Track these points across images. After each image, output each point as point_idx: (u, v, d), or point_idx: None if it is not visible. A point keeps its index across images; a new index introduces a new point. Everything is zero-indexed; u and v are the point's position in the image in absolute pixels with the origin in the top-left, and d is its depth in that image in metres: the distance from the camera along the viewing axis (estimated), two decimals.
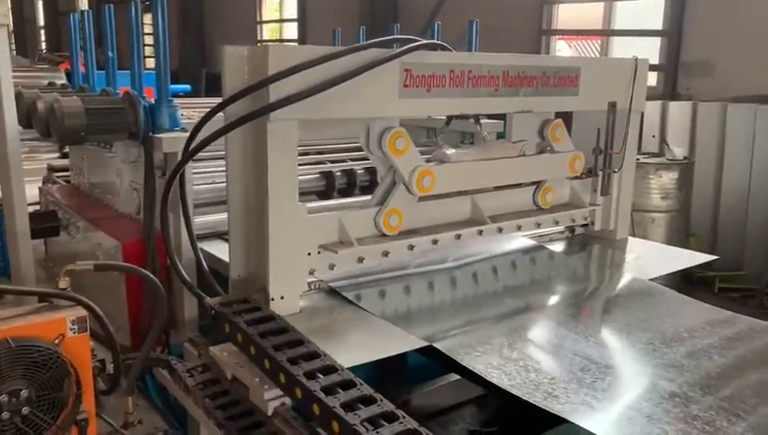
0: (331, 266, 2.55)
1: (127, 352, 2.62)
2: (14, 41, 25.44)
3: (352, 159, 4.02)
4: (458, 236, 2.88)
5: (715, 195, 7.37)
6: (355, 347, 2.27)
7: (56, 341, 1.99)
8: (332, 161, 3.89)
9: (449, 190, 2.86)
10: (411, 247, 2.72)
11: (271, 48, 2.17)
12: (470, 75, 2.66)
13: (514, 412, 2.23)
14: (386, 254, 2.65)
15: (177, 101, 3.06)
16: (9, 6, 2.66)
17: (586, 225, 3.53)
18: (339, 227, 2.59)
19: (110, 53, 3.54)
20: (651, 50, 8.29)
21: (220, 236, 3.20)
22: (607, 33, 8.98)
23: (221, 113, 2.35)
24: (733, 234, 7.05)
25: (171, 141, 2.83)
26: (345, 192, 3.75)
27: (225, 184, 3.44)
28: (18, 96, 3.16)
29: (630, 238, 3.68)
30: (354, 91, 2.31)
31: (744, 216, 7.13)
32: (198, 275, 2.71)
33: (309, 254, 2.48)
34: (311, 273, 2.52)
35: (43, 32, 26.91)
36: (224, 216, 3.27)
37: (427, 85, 2.56)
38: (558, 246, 3.46)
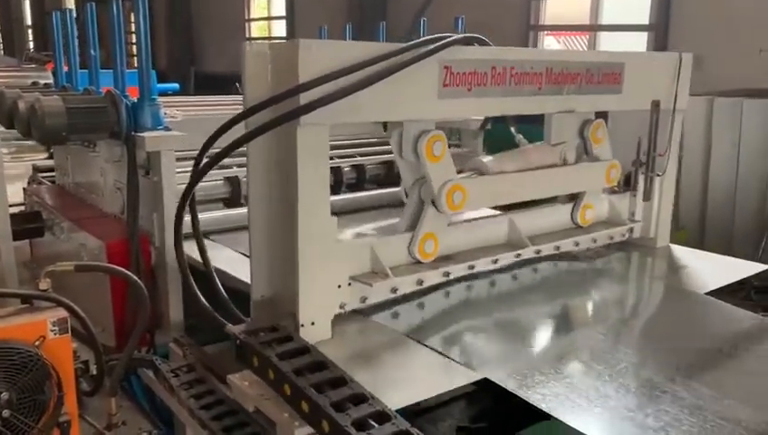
0: (363, 299, 2.37)
1: (111, 352, 2.61)
2: (1, 40, 25.26)
3: (339, 157, 4.01)
4: (495, 262, 2.70)
5: (702, 189, 7.39)
6: (400, 383, 2.04)
7: (37, 343, 1.98)
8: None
9: (481, 206, 2.70)
10: (446, 274, 2.54)
11: (302, 44, 1.97)
12: (512, 72, 2.48)
13: (503, 408, 2.18)
14: (420, 283, 2.47)
15: (165, 99, 3.04)
16: None
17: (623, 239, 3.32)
18: (371, 256, 2.39)
19: (92, 52, 3.51)
20: (638, 44, 8.32)
21: (205, 235, 3.18)
22: (594, 27, 9.01)
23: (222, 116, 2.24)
24: (720, 228, 7.07)
25: (154, 140, 2.81)
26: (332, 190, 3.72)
27: (209, 183, 3.52)
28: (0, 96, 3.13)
29: (671, 245, 3.46)
30: (390, 91, 2.14)
31: (731, 209, 7.16)
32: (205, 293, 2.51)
33: (339, 286, 2.26)
34: (341, 307, 2.30)
35: (30, 31, 26.70)
36: (209, 215, 3.29)
37: (468, 84, 2.38)
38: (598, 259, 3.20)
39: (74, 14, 3.83)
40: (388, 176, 4.32)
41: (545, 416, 1.91)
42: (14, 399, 1.92)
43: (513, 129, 3.09)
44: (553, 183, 2.92)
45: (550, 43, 9.69)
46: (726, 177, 7.17)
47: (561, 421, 1.85)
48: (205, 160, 2.22)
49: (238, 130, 2.17)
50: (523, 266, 2.87)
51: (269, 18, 17.25)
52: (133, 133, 2.85)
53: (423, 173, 2.50)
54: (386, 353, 2.21)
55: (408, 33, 9.51)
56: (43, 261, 3.92)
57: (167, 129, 2.95)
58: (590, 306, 2.80)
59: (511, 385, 1.98)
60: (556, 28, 9.65)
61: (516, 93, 2.53)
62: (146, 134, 2.82)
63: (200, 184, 3.40)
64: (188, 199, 2.28)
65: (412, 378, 2.07)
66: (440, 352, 2.17)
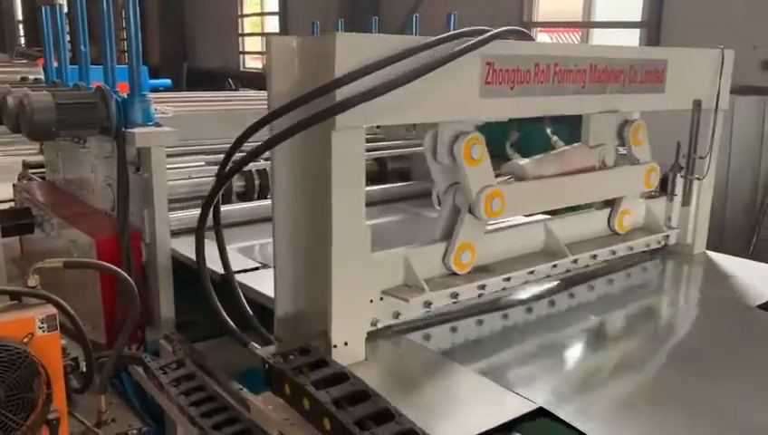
0: (396, 315, 2.21)
1: (102, 349, 2.59)
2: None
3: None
4: (532, 272, 2.56)
5: None
6: (448, 414, 1.85)
7: (25, 340, 1.96)
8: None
9: (520, 213, 2.57)
10: (482, 287, 2.38)
11: (339, 37, 1.81)
12: (556, 69, 2.33)
13: None
14: (455, 296, 2.30)
15: (156, 95, 3.02)
16: None
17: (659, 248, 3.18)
18: (405, 268, 2.23)
19: (82, 48, 3.50)
20: (631, 42, 8.33)
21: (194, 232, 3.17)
22: (587, 24, 9.02)
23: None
24: (712, 224, 7.10)
25: (144, 136, 2.79)
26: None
27: (200, 179, 3.51)
28: None
29: (708, 252, 3.30)
30: (430, 90, 1.98)
31: (722, 205, 7.19)
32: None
33: (371, 301, 2.12)
34: (373, 324, 2.16)
35: (21, 26, 26.54)
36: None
37: (511, 82, 2.21)
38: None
39: (65, 10, 3.81)
40: (381, 173, 4.33)
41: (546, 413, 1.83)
42: (2, 396, 1.90)
43: (549, 129, 2.92)
44: (594, 188, 2.79)
45: (543, 39, 9.72)
46: (718, 173, 7.20)
47: (560, 419, 1.77)
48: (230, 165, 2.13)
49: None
50: (559, 291, 2.74)
51: (262, 14, 17.19)
52: (123, 129, 2.83)
53: (458, 178, 2.35)
54: (427, 378, 2.03)
55: (401, 28, 9.52)
56: (33, 258, 3.89)
57: (157, 125, 2.93)
58: (641, 327, 2.60)
59: (570, 417, 1.80)
60: (549, 25, 9.66)
61: (559, 92, 2.38)
62: (136, 130, 2.80)
63: (190, 180, 3.48)
64: (213, 204, 2.18)
65: (460, 407, 1.90)
66: (486, 376, 2.01)
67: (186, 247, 2.98)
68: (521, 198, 2.49)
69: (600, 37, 8.94)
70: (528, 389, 1.94)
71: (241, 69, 17.14)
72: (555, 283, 2.76)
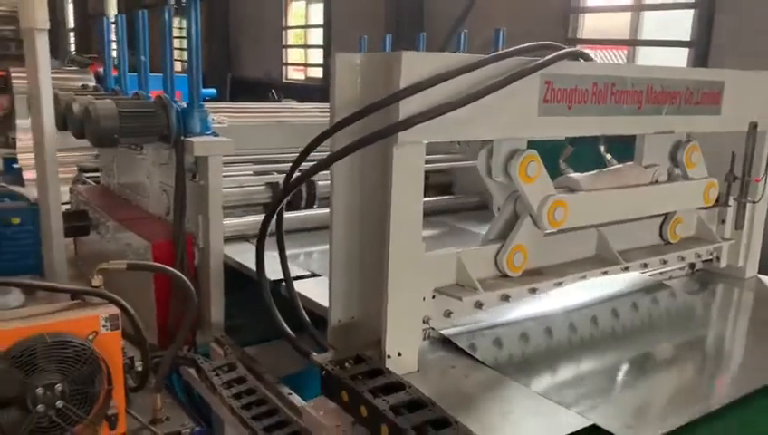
0: (448, 314, 2.22)
1: (154, 350, 2.68)
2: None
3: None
4: (583, 278, 2.56)
5: None
6: (497, 425, 1.89)
7: (90, 337, 2.05)
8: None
9: (582, 223, 2.55)
10: (533, 291, 2.38)
11: (405, 55, 1.86)
12: (613, 90, 2.35)
13: None
14: (506, 298, 2.30)
15: (209, 105, 3.12)
16: (47, 12, 2.73)
17: (710, 260, 3.10)
18: (458, 267, 2.24)
19: (142, 57, 3.62)
20: (678, 61, 8.22)
21: (247, 239, 3.26)
22: (633, 42, 8.94)
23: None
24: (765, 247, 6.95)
25: (203, 145, 2.89)
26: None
27: (249, 187, 3.61)
28: (54, 98, 3.24)
29: (760, 276, 3.24)
30: (490, 107, 1.99)
31: None
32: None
33: (424, 299, 2.14)
34: (425, 321, 2.19)
35: (72, 34, 27.37)
36: (251, 219, 3.36)
37: (569, 100, 2.23)
38: (681, 286, 3.05)
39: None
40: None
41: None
42: (68, 390, 1.99)
43: (602, 147, 2.89)
44: (653, 201, 2.78)
45: None
46: None
47: None
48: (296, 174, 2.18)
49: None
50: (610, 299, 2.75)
51: (306, 27, 17.43)
52: (182, 138, 2.93)
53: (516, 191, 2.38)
54: (478, 391, 2.06)
55: (443, 45, 9.56)
56: (86, 258, 4.04)
57: (214, 134, 3.03)
58: (689, 352, 2.56)
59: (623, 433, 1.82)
60: (594, 42, 9.60)
61: (616, 112, 2.40)
62: (195, 139, 2.90)
63: (242, 188, 3.58)
64: (276, 213, 2.22)
65: (511, 421, 1.92)
66: (537, 392, 2.04)
67: (235, 253, 3.07)
68: (583, 208, 2.48)
69: (646, 55, 8.84)
70: (580, 406, 1.95)
71: (284, 80, 17.39)
72: (602, 300, 2.75)
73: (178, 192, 2.96)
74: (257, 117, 4.34)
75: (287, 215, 3.60)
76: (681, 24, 8.33)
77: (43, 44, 2.69)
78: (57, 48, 24.80)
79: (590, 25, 9.56)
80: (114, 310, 2.13)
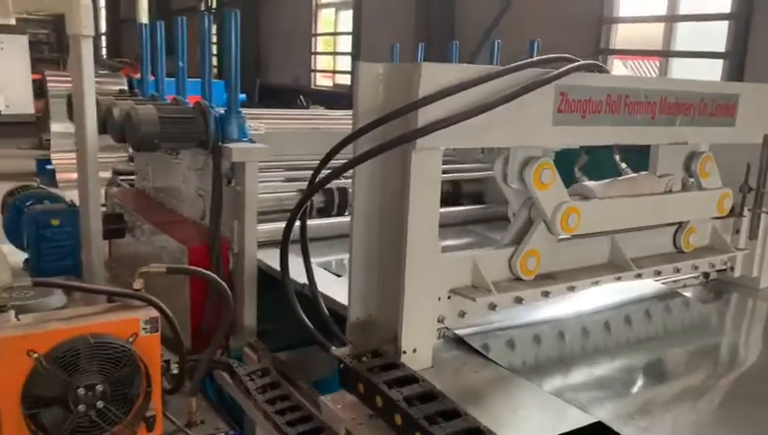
0: (462, 314, 2.29)
1: (187, 353, 2.71)
2: None
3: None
4: (596, 283, 2.61)
5: None
6: (505, 419, 1.95)
7: (130, 339, 2.09)
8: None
9: (594, 230, 2.59)
10: (546, 294, 2.44)
11: (424, 66, 1.95)
12: (627, 101, 2.41)
13: None
14: (519, 300, 2.37)
15: (246, 111, 3.16)
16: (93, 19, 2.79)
17: (723, 270, 3.13)
18: (472, 270, 2.32)
19: (180, 63, 3.68)
20: (713, 72, 8.13)
21: (278, 245, 3.27)
22: (666, 53, 8.85)
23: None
24: None
25: (240, 151, 2.92)
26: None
27: (284, 194, 3.64)
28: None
29: None
30: (504, 116, 2.06)
31: None
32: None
33: (439, 299, 2.22)
34: (440, 321, 2.26)
35: (104, 38, 27.87)
36: (282, 225, 3.38)
37: (583, 111, 2.31)
38: (691, 294, 3.07)
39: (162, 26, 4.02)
40: (455, 195, 4.37)
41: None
42: (108, 391, 2.02)
43: (617, 156, 2.94)
44: (666, 210, 2.82)
45: (619, 66, 9.57)
46: None
47: None
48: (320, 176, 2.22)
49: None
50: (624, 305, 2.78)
51: (335, 33, 17.54)
52: (220, 144, 2.97)
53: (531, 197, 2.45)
54: (487, 386, 2.14)
55: (472, 57, 9.53)
56: (120, 261, 4.11)
57: (251, 141, 3.06)
58: (702, 361, 2.58)
59: (626, 431, 1.88)
60: (626, 52, 9.53)
61: (630, 122, 2.46)
62: (233, 145, 2.94)
63: (274, 194, 3.61)
64: (300, 213, 2.26)
65: (518, 415, 2.00)
66: (546, 390, 2.10)
67: (268, 258, 3.10)
68: (596, 215, 2.54)
69: (679, 66, 8.75)
70: (588, 405, 2.01)
71: (312, 86, 17.51)
72: (615, 306, 2.79)
73: (215, 197, 2.99)
74: (290, 123, 4.38)
75: (320, 222, 3.70)
76: (717, 35, 8.23)
77: (88, 50, 2.75)
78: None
79: (622, 35, 9.48)
80: (154, 313, 2.16)
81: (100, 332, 2.04)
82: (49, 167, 8.34)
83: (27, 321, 2.02)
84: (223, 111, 3.07)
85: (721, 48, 8.16)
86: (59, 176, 7.60)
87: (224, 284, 2.39)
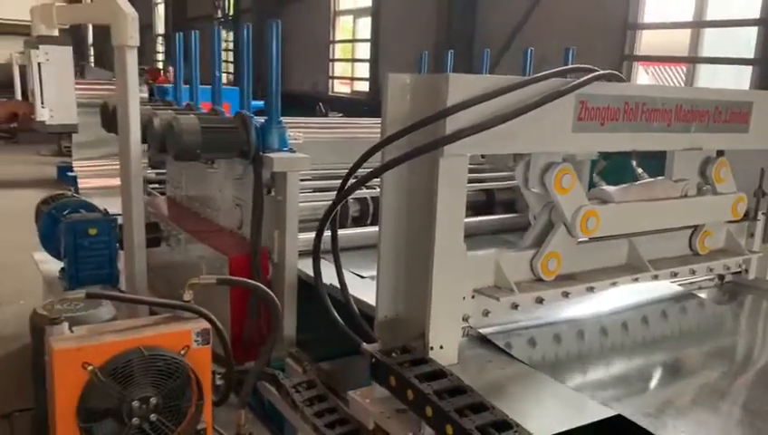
0: (486, 313, 2.38)
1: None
2: (92, 53, 26.66)
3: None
4: (614, 284, 2.69)
5: None
6: (533, 412, 2.03)
7: (182, 351, 2.08)
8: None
9: (613, 233, 2.68)
10: (566, 294, 2.52)
11: (451, 77, 2.03)
12: (644, 109, 2.51)
13: None
14: (540, 301, 2.46)
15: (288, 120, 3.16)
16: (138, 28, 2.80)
17: (738, 272, 3.21)
18: (495, 270, 2.40)
19: (216, 73, 3.69)
20: (741, 79, 8.03)
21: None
22: (692, 60, 8.76)
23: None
24: None
25: (281, 161, 2.92)
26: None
27: (319, 203, 3.62)
28: None
29: None
30: (527, 124, 2.15)
31: None
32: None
33: (464, 298, 2.31)
34: (465, 319, 2.34)
35: None
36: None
37: (602, 118, 2.40)
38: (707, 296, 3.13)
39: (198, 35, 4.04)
40: (488, 204, 4.34)
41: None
42: (161, 403, 2.01)
43: (634, 162, 3.03)
44: (681, 214, 2.93)
45: (642, 73, 9.47)
46: None
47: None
48: (350, 182, 2.31)
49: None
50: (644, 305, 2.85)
51: (353, 41, 17.57)
52: (261, 154, 2.96)
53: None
54: (510, 382, 2.22)
55: (492, 67, 9.47)
56: (155, 270, 4.11)
57: (291, 150, 3.06)
58: (719, 360, 2.63)
59: (645, 423, 1.96)
60: (651, 59, 9.43)
61: (647, 129, 2.56)
62: (274, 155, 2.93)
63: (310, 204, 3.59)
64: (330, 218, 2.33)
65: (544, 410, 2.08)
66: (569, 386, 2.17)
67: (306, 267, 3.08)
68: (614, 218, 2.63)
69: (706, 72, 8.65)
70: (609, 400, 2.08)
71: (329, 93, 17.53)
72: (632, 307, 2.85)
73: (256, 207, 2.98)
74: (323, 133, 4.37)
75: (355, 231, 3.68)
76: (746, 41, 8.13)
77: (132, 60, 2.76)
78: (104, 58, 25.58)
79: (648, 41, 9.40)
80: (205, 325, 2.16)
81: (152, 344, 2.03)
82: (71, 174, 8.39)
83: (81, 333, 2.02)
84: (263, 121, 3.07)
85: (750, 54, 8.06)
86: (81, 183, 7.63)
87: (273, 295, 2.38)
